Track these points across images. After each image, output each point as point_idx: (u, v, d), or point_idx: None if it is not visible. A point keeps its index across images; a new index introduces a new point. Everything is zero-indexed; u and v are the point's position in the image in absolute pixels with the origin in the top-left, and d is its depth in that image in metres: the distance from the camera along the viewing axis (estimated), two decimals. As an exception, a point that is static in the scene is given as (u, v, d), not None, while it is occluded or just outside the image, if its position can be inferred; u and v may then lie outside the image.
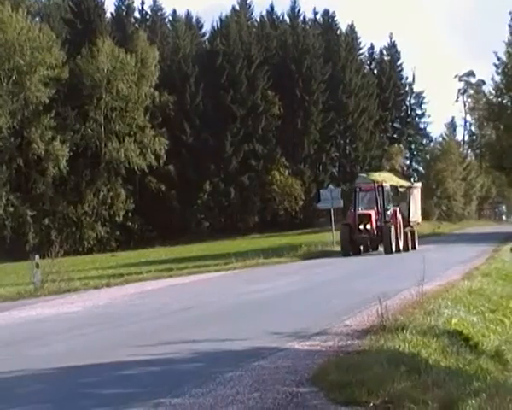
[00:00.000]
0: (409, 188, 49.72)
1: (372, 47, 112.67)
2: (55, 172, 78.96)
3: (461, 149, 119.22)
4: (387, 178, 49.36)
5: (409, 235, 47.00)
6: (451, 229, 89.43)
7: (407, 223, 47.09)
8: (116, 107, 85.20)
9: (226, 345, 14.19)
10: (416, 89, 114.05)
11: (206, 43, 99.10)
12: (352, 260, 47.20)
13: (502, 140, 72.87)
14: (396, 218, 44.99)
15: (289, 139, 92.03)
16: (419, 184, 54.86)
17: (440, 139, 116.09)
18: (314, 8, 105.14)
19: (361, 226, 43.44)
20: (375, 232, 43.83)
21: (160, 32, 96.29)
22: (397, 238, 44.24)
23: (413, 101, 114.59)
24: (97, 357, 13.83)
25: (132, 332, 17.58)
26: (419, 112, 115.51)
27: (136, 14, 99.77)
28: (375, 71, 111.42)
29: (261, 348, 13.50)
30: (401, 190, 49.37)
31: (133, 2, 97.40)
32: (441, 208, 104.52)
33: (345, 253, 44.17)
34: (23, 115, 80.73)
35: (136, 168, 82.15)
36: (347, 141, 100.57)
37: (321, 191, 63.10)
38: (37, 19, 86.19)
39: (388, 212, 44.98)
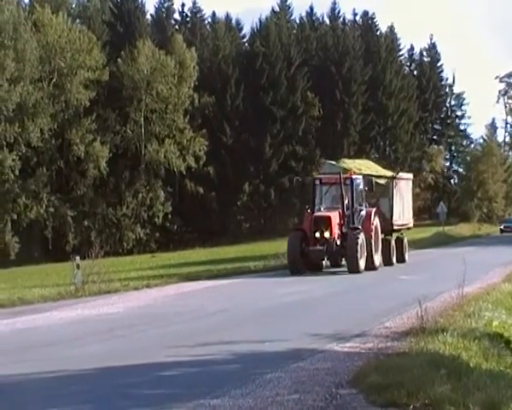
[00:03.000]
0: (392, 179, 38.53)
1: (412, 48, 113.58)
2: (95, 174, 79.69)
3: (502, 151, 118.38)
4: (363, 167, 40.33)
5: (392, 244, 38.15)
6: (492, 231, 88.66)
7: (390, 227, 38.08)
8: (156, 108, 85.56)
9: (265, 346, 14.21)
10: (456, 90, 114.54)
11: (246, 44, 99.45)
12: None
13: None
14: (370, 222, 35.25)
15: (329, 141, 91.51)
16: (408, 176, 44.64)
17: (481, 141, 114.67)
18: (354, 10, 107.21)
19: (317, 234, 33.44)
20: (336, 242, 33.73)
21: (199, 33, 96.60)
22: (371, 251, 34.48)
23: (453, 102, 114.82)
24: (137, 358, 13.91)
25: (171, 333, 17.60)
26: (459, 113, 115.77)
27: (176, 16, 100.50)
28: (415, 72, 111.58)
29: (300, 350, 13.41)
30: (381, 182, 38.00)
31: (173, 5, 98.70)
32: (482, 210, 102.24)
33: (293, 270, 34.18)
34: (64, 117, 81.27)
35: (175, 170, 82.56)
36: (387, 142, 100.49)
37: None
38: (77, 21, 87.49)
39: (362, 213, 35.54)
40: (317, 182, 36.23)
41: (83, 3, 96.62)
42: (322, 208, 35.37)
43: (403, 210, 39.82)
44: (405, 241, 40.27)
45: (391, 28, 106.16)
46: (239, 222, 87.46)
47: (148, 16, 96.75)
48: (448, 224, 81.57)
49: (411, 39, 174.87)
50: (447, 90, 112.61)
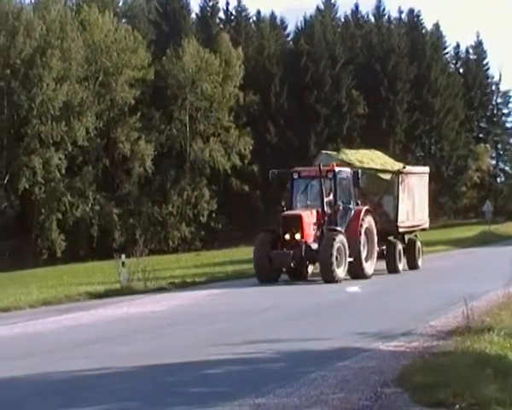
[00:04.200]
0: (397, 174, 33.09)
1: (458, 46, 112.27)
2: (141, 172, 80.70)
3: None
4: (365, 158, 35.39)
5: (399, 248, 33.14)
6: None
7: (395, 229, 33.30)
8: (201, 107, 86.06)
9: (309, 345, 14.11)
10: (502, 88, 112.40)
11: (291, 43, 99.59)
12: (438, 257, 46.58)
13: None
14: (359, 222, 30.26)
15: (374, 139, 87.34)
16: (422, 169, 39.78)
17: None
18: (399, 8, 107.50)
19: (287, 236, 28.97)
20: (310, 246, 29.03)
21: (244, 32, 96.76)
22: (359, 256, 29.88)
23: (499, 100, 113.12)
24: (182, 356, 13.90)
25: (216, 331, 17.62)
26: (506, 111, 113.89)
27: (221, 15, 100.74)
28: (461, 70, 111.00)
29: (345, 349, 13.41)
30: (385, 177, 33.65)
31: (218, 3, 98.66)
32: None
33: (260, 278, 29.85)
34: (109, 116, 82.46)
35: (220, 168, 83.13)
36: (432, 141, 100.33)
37: None
38: (123, 21, 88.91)
39: (350, 211, 30.65)
40: (296, 175, 31.57)
41: (129, 3, 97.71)
42: (299, 205, 31.04)
43: (413, 209, 34.60)
44: (418, 244, 35.26)
45: (436, 26, 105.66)
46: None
47: (193, 15, 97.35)
48: (494, 222, 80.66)
49: (457, 37, 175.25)
50: (493, 87, 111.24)
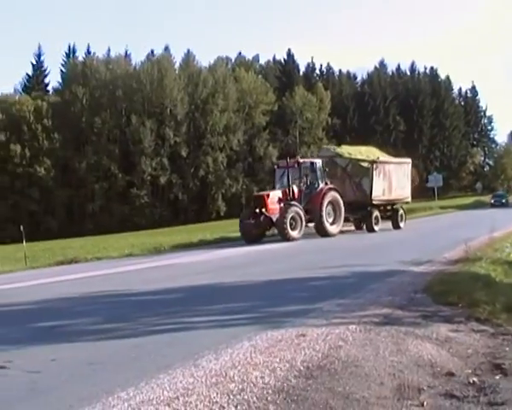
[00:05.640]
0: (372, 163, 30.57)
1: (460, 88, 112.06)
2: (270, 166, 76.07)
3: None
4: (354, 152, 32.51)
5: (375, 214, 30.60)
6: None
7: (369, 201, 30.28)
8: (305, 127, 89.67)
9: (370, 268, 13.62)
10: (488, 113, 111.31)
11: (358, 87, 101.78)
12: (449, 216, 47.74)
13: None
14: (321, 196, 27.74)
15: (409, 146, 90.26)
16: (402, 160, 35.10)
17: (503, 144, 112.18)
18: (425, 66, 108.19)
19: (257, 210, 27.03)
20: (271, 218, 26.69)
21: (331, 81, 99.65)
22: (320, 219, 27.49)
23: (486, 121, 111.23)
24: (289, 274, 13.54)
25: (307, 261, 16.83)
26: (489, 128, 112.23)
27: (317, 72, 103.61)
28: (462, 103, 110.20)
29: (392, 271, 13.03)
30: (364, 164, 30.91)
31: (315, 64, 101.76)
32: (503, 186, 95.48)
33: (245, 240, 27.32)
34: (251, 133, 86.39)
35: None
36: (445, 146, 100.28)
37: (429, 176, 67.73)
38: (259, 76, 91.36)
39: (317, 190, 28.15)
40: (276, 166, 30.08)
41: (263, 65, 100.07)
42: (277, 187, 28.30)
43: (389, 188, 31.41)
44: (401, 212, 32.60)
45: (447, 76, 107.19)
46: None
47: (301, 72, 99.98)
48: (483, 195, 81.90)
49: (460, 83, 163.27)
50: (482, 113, 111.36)
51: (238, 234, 28.48)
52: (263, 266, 16.84)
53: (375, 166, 30.62)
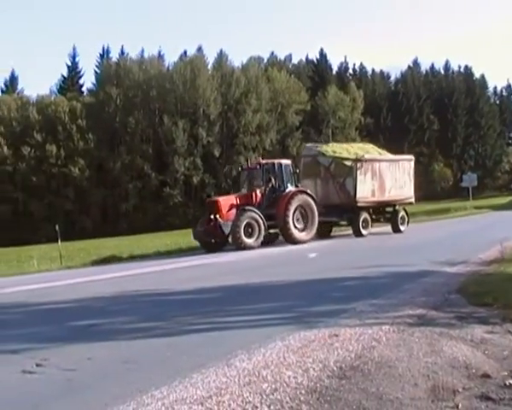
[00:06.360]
0: (355, 162, 27.78)
1: (495, 87, 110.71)
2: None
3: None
4: (339, 149, 30.03)
5: (363, 217, 28.00)
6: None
7: (354, 203, 27.64)
8: (338, 126, 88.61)
9: (404, 268, 13.53)
10: None
11: (392, 87, 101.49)
12: (484, 216, 46.12)
13: None
14: (286, 201, 25.15)
15: (443, 145, 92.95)
16: (401, 157, 32.31)
17: None
18: (459, 64, 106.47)
19: (212, 216, 24.43)
20: (219, 224, 24.07)
21: (364, 81, 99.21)
22: (285, 225, 25.05)
23: None
24: (324, 274, 13.50)
25: (338, 261, 16.86)
26: None
27: (350, 71, 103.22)
28: (497, 101, 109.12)
29: (426, 271, 12.90)
30: (347, 163, 28.06)
31: (347, 64, 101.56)
32: None
33: (204, 249, 24.96)
34: (284, 132, 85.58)
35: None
36: (480, 145, 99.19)
37: (463, 176, 65.75)
38: (292, 75, 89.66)
39: (283, 193, 25.46)
40: (240, 169, 28.22)
41: (296, 64, 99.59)
42: (243, 191, 26.15)
43: (381, 188, 28.77)
44: (401, 214, 29.87)
45: (482, 75, 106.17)
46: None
47: (334, 71, 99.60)
48: None
49: (495, 81, 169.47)
50: None
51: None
52: (292, 266, 16.83)
53: (358, 164, 27.87)
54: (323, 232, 28.24)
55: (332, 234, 29.80)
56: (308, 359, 6.21)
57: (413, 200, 30.78)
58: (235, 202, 24.91)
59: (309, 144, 36.25)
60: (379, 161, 29.23)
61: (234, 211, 24.49)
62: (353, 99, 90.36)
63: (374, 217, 29.07)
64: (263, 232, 24.32)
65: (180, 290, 12.82)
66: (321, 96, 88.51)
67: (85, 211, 75.98)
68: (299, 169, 28.49)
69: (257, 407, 4.94)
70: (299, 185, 26.38)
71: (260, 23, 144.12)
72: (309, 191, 26.26)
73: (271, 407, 4.93)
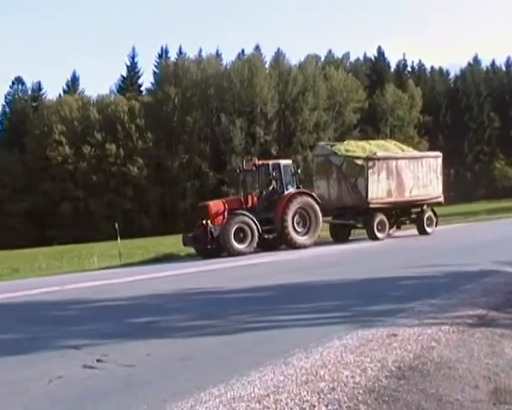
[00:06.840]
0: (367, 160, 25.82)
1: None
2: None
3: None
4: (352, 147, 27.48)
5: (380, 218, 26.04)
6: None
7: (366, 204, 25.75)
8: (396, 125, 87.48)
9: (464, 268, 13.24)
10: None
11: (452, 84, 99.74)
12: None
13: None
14: (284, 204, 23.93)
15: (504, 142, 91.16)
16: (424, 154, 31.49)
17: None
18: None
19: (203, 222, 23.23)
20: (210, 230, 23.04)
21: (423, 79, 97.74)
22: (283, 229, 23.84)
23: None
24: (382, 273, 13.40)
25: (395, 261, 16.44)
26: None
27: (409, 68, 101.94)
28: None
29: (486, 271, 12.64)
30: (358, 162, 25.93)
31: (406, 62, 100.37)
32: None
33: (200, 256, 23.76)
34: (341, 130, 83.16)
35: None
36: None
37: None
38: (349, 74, 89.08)
39: (282, 195, 24.22)
40: (238, 170, 26.19)
41: (353, 63, 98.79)
42: (242, 193, 24.80)
43: (401, 187, 26.81)
44: (427, 215, 27.66)
45: None
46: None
47: (392, 69, 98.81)
48: None
49: None
50: None
51: (325, 233, 26.59)
52: (347, 265, 16.72)
53: (370, 163, 25.96)
54: (340, 236, 27.20)
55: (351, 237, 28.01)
56: (366, 358, 6.18)
57: (442, 199, 28.50)
58: (226, 207, 23.72)
59: (321, 143, 35.18)
60: (395, 158, 27.18)
61: (224, 216, 23.43)
62: (411, 97, 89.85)
63: (395, 219, 27.49)
64: (256, 237, 23.24)
65: (236, 288, 12.86)
66: (379, 95, 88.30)
67: (144, 209, 77.05)
68: (313, 169, 27.70)
69: (314, 406, 4.92)
70: (301, 186, 25.16)
71: (318, 22, 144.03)
72: (312, 193, 25.23)
73: (329, 407, 4.91)
